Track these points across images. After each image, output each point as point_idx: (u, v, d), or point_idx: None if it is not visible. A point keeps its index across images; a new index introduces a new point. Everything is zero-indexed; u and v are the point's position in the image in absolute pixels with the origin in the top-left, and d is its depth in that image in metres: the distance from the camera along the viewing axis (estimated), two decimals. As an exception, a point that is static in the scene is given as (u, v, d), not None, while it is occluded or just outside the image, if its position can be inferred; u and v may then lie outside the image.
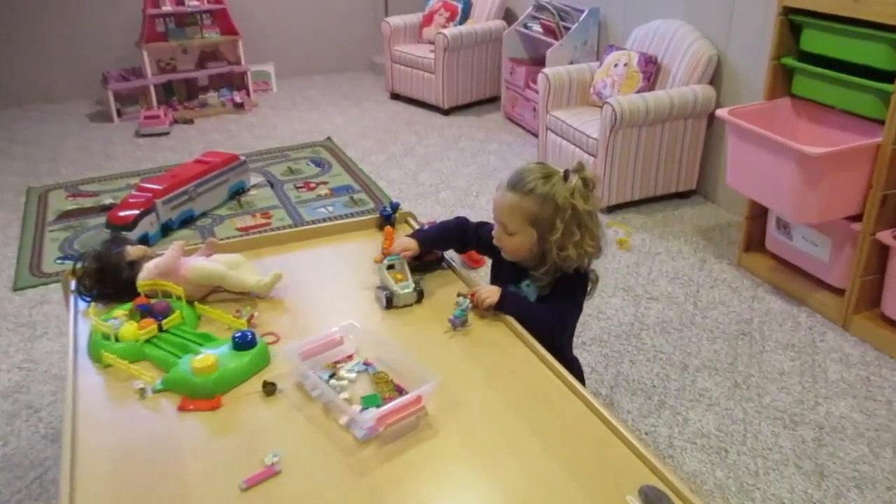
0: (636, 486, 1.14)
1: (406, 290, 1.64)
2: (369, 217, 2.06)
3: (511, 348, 1.53)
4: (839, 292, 2.69)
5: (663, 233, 3.44)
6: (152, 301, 1.65)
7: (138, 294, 1.67)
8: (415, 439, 1.27)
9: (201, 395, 1.40)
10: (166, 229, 3.45)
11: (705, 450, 2.10)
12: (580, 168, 1.57)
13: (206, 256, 1.79)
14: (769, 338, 2.63)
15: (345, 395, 1.40)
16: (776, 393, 2.34)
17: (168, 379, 1.44)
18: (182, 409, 1.39)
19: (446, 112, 5.16)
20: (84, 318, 1.64)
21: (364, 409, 1.34)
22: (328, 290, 1.77)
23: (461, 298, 1.60)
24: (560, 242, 1.54)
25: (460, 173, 4.19)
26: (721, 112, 2.72)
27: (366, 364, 1.50)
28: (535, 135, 4.53)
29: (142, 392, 1.42)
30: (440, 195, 3.89)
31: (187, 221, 3.57)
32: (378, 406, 1.34)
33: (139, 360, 1.51)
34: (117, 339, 1.53)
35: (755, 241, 3.05)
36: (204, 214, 3.67)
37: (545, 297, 1.64)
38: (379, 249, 1.87)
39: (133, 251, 1.76)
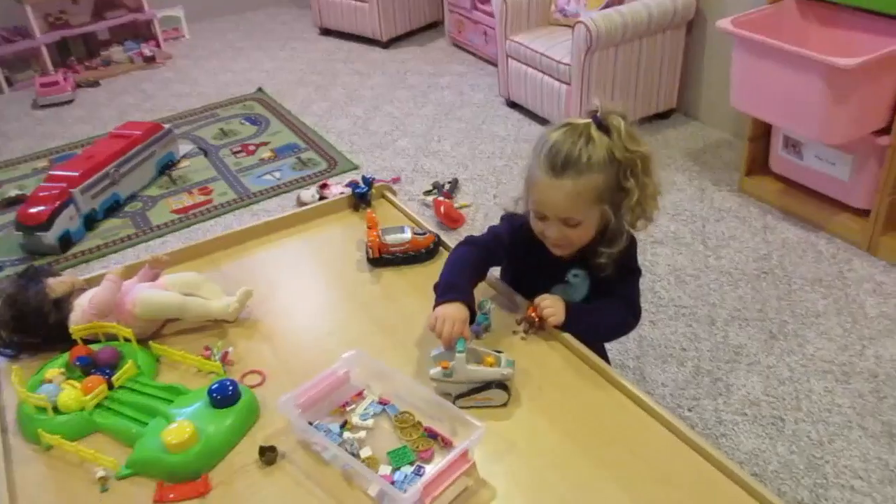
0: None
1: (512, 367, 1.20)
2: (340, 197, 1.75)
3: (550, 357, 1.26)
4: (862, 213, 2.47)
5: (651, 162, 3.15)
6: (94, 348, 1.31)
7: (73, 341, 1.33)
8: (471, 506, 1.00)
9: (183, 478, 1.11)
10: (90, 222, 2.99)
11: (759, 421, 1.88)
12: (606, 107, 1.23)
13: (151, 280, 1.45)
14: (793, 273, 2.42)
15: (366, 451, 1.13)
16: (817, 339, 2.14)
17: (135, 460, 1.14)
18: (160, 500, 1.09)
19: (386, 45, 4.69)
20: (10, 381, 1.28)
21: (395, 469, 1.09)
22: (310, 301, 1.47)
23: (483, 300, 1.32)
24: (641, 200, 1.23)
25: (416, 115, 3.78)
26: (724, 23, 2.38)
27: (381, 403, 1.22)
28: (491, 62, 4.13)
29: (103, 482, 1.11)
30: (398, 144, 3.50)
31: (113, 209, 3.11)
32: (412, 462, 1.11)
33: (90, 434, 1.20)
34: (57, 410, 1.20)
35: (757, 162, 2.79)
36: (133, 197, 3.21)
37: (605, 281, 1.31)
38: (363, 239, 1.51)
39: (57, 286, 1.40)
